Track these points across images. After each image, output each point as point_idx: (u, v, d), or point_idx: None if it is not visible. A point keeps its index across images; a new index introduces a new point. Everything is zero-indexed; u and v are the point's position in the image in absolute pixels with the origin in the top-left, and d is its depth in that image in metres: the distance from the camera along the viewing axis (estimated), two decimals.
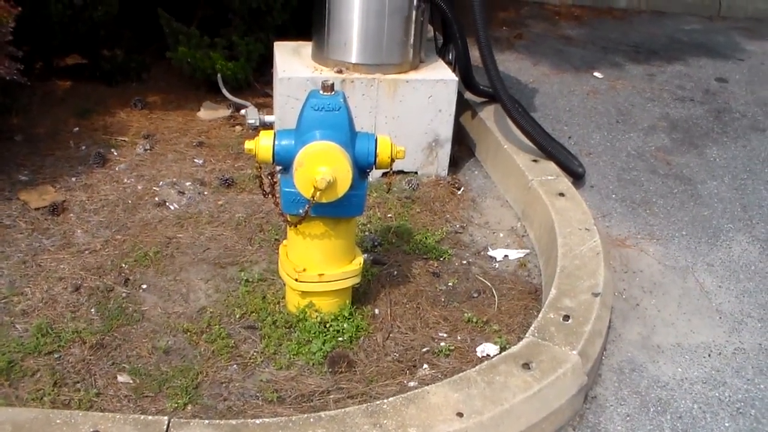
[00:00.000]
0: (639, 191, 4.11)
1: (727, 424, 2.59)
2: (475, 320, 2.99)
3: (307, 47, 4.20)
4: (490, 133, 4.29)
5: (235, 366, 2.68)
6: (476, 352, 2.82)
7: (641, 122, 5.00)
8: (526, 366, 2.51)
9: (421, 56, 4.13)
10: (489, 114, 4.49)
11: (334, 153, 2.49)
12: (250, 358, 2.71)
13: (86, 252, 3.25)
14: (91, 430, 2.14)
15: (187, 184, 3.86)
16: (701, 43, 7.01)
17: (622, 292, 3.26)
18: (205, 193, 3.80)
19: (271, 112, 4.34)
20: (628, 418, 2.59)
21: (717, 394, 2.72)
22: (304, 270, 2.76)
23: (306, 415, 2.25)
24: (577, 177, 4.00)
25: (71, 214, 3.51)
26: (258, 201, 3.72)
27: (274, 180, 2.77)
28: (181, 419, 2.21)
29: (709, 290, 3.31)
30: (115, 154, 4.13)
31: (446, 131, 4.07)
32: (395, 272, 3.27)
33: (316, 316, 2.86)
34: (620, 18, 7.76)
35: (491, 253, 3.49)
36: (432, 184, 4.07)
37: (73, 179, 3.81)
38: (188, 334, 2.81)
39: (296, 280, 2.78)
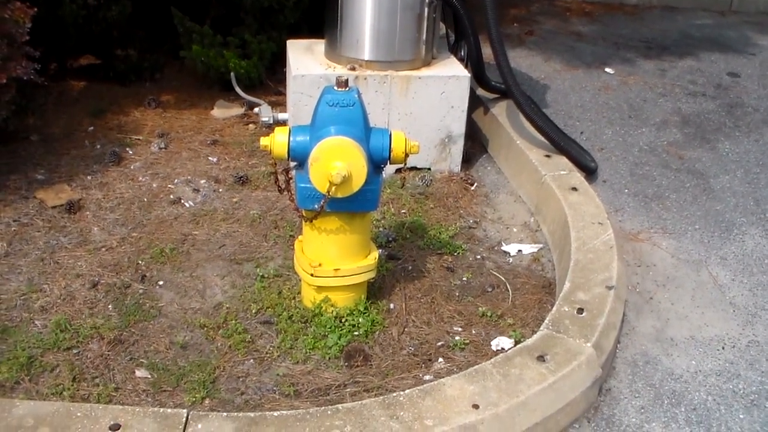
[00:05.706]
0: (651, 186, 4.11)
1: (741, 416, 2.60)
2: (489, 314, 3.01)
3: (319, 45, 4.22)
4: (503, 129, 4.31)
5: (251, 360, 2.70)
6: (491, 345, 2.83)
7: (653, 117, 5.00)
8: (541, 358, 2.52)
9: (433, 53, 4.14)
10: (501, 110, 4.50)
11: (349, 148, 2.51)
12: (266, 353, 2.73)
13: (103, 249, 3.28)
14: (111, 423, 2.16)
15: (202, 181, 3.89)
16: (713, 38, 6.99)
17: (636, 285, 3.26)
18: (220, 190, 3.83)
19: (284, 110, 4.37)
20: (642, 410, 2.60)
21: (731, 387, 2.73)
22: (320, 265, 2.78)
23: (323, 408, 2.26)
24: (589, 172, 4.00)
25: (87, 212, 3.55)
26: (272, 198, 3.74)
27: (290, 176, 2.80)
28: (200, 412, 2.24)
29: (722, 284, 3.31)
30: (130, 152, 4.16)
31: (459, 127, 4.08)
32: (410, 267, 3.29)
33: (332, 311, 2.88)
34: (631, 14, 7.74)
35: (505, 247, 3.51)
36: (445, 180, 4.09)
37: (89, 178, 3.85)
38: (205, 329, 2.84)
39: (312, 275, 2.80)
